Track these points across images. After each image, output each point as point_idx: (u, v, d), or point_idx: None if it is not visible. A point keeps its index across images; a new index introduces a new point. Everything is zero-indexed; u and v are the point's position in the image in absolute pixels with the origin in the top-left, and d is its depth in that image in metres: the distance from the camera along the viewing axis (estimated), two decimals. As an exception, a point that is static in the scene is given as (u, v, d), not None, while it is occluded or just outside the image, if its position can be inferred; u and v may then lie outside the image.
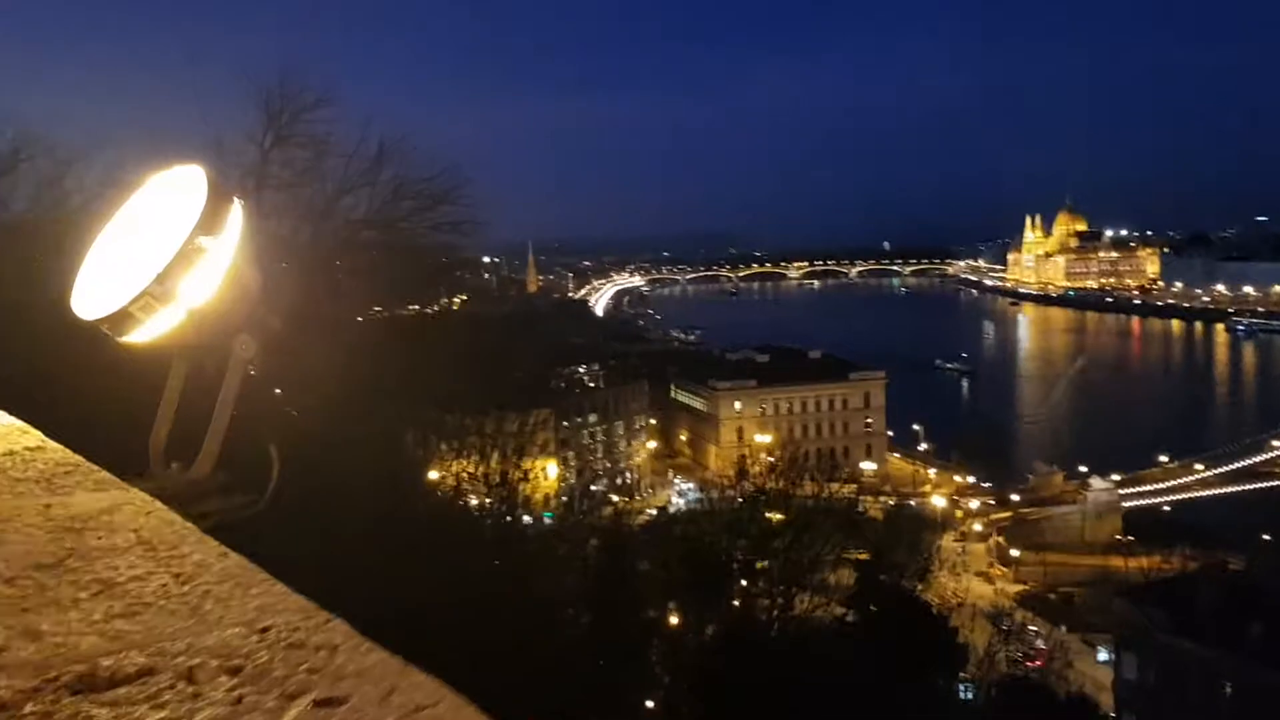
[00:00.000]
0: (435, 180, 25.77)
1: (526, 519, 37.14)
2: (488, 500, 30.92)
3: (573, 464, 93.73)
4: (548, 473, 66.63)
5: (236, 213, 1.71)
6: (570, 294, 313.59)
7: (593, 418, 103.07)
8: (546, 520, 47.44)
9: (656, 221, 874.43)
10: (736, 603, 34.60)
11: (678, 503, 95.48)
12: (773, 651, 28.98)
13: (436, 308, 48.84)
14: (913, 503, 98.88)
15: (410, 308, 44.02)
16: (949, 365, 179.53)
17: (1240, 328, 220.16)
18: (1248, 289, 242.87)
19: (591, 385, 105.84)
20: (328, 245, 24.77)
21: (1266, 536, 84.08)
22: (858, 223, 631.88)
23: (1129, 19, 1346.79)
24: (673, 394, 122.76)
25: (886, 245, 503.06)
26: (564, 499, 61.30)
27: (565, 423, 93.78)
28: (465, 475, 30.54)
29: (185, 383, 1.80)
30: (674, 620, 34.26)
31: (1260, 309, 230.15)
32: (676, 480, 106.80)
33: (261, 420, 1.83)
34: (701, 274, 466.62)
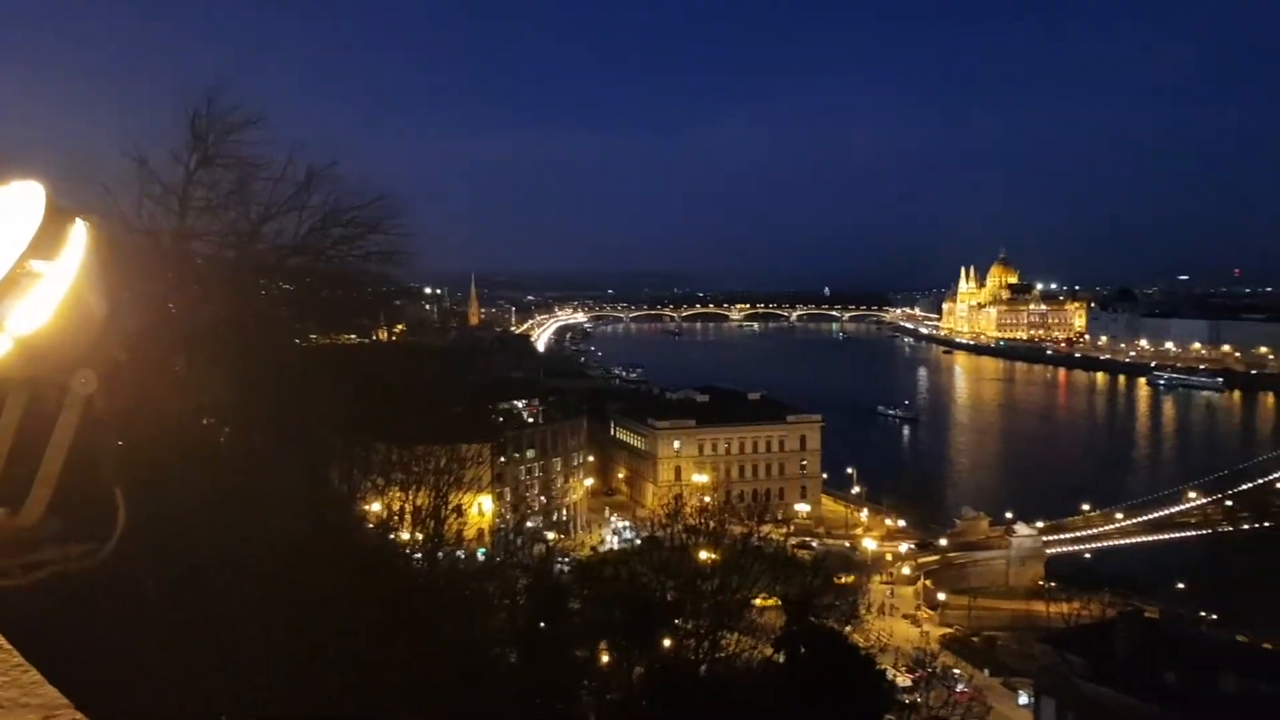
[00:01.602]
0: (366, 208, 25.18)
1: (459, 554, 36.50)
2: (419, 536, 30.29)
3: (509, 499, 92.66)
4: (483, 508, 65.71)
5: (80, 234, 1.59)
6: (513, 328, 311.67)
7: (531, 453, 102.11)
8: (480, 556, 46.70)
9: (602, 258, 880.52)
10: (667, 643, 34.32)
11: (613, 541, 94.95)
12: (700, 693, 28.77)
13: (372, 338, 48.01)
14: (843, 545, 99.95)
15: (348, 337, 43.19)
16: (891, 411, 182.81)
17: (1161, 382, 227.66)
18: (1169, 344, 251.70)
19: (530, 420, 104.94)
20: (252, 271, 24.12)
21: (1181, 585, 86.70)
22: (799, 267, 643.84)
23: (1064, 81, 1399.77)
24: (612, 431, 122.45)
25: (826, 290, 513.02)
26: (499, 535, 60.47)
27: (503, 458, 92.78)
28: (394, 509, 29.89)
29: (30, 420, 1.66)
30: (604, 660, 33.84)
31: (1180, 364, 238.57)
32: (613, 518, 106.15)
33: (110, 461, 1.71)
34: (645, 312, 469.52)
